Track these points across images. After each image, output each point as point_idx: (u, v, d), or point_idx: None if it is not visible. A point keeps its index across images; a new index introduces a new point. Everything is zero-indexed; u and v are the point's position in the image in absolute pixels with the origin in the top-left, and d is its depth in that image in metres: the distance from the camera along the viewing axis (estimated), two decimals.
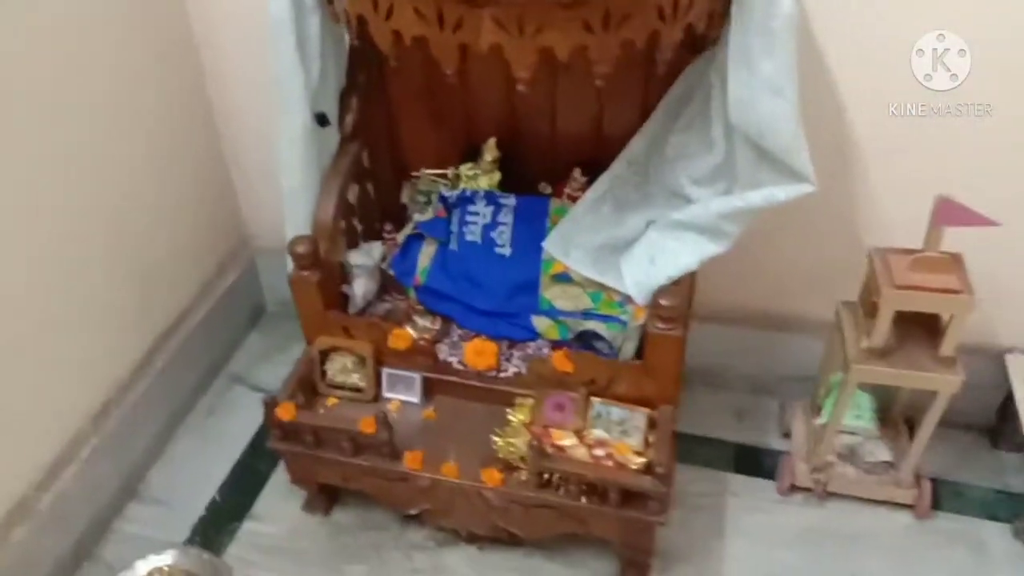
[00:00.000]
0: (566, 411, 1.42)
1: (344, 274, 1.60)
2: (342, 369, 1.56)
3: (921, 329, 1.47)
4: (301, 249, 1.46)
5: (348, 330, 1.53)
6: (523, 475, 1.41)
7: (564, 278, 1.55)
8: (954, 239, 1.38)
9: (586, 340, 1.53)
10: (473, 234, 1.61)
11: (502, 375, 1.53)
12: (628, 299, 1.48)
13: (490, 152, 1.62)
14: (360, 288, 1.60)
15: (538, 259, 1.57)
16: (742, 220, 1.35)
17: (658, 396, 1.43)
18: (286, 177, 1.47)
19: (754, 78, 1.21)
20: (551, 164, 1.63)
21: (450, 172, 1.68)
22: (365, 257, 1.61)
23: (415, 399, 1.56)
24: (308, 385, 1.56)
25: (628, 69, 1.43)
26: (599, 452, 1.38)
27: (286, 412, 1.45)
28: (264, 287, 2.15)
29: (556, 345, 1.54)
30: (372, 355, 1.53)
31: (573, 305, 1.55)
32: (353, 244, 1.63)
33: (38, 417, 1.51)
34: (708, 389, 1.89)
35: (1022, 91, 1.41)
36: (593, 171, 1.56)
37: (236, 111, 1.86)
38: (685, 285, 1.41)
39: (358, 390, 1.56)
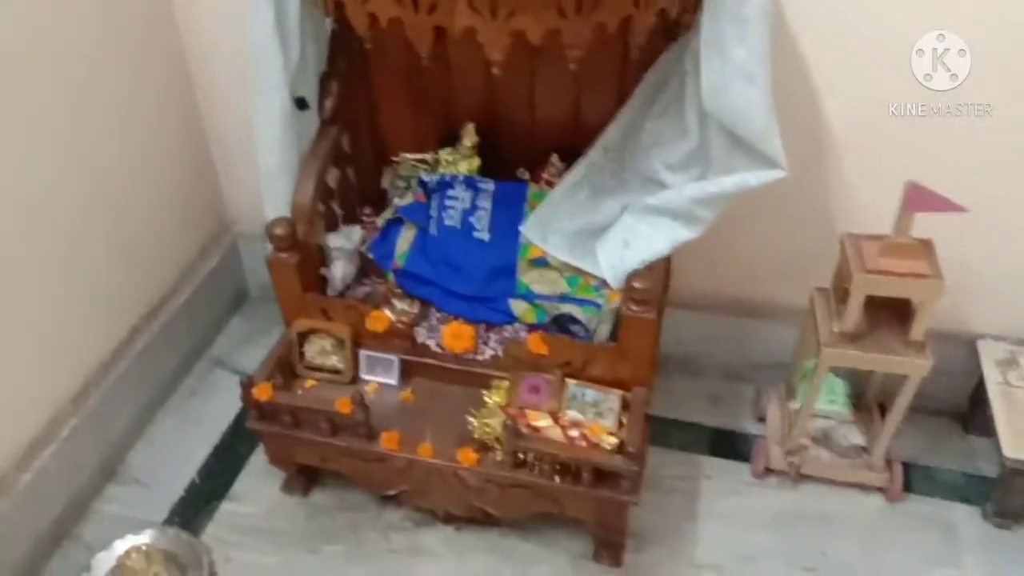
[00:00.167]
0: (541, 393, 1.43)
1: (323, 257, 1.61)
2: (320, 351, 1.57)
3: (892, 314, 1.49)
4: (279, 231, 1.47)
5: (326, 312, 1.55)
6: (498, 455, 1.43)
7: (541, 262, 1.57)
8: (936, 230, 1.40)
9: (563, 324, 1.54)
10: (452, 219, 1.62)
11: (479, 358, 1.55)
12: (604, 283, 1.50)
13: (469, 137, 1.63)
14: (339, 271, 1.61)
15: (516, 244, 1.58)
16: (715, 205, 1.36)
17: (632, 378, 1.44)
18: (263, 157, 1.48)
19: (727, 65, 1.23)
20: (529, 150, 1.64)
21: (430, 157, 1.69)
22: (344, 240, 1.62)
23: (393, 381, 1.57)
24: (287, 366, 1.57)
25: (605, 56, 1.45)
26: (573, 433, 1.40)
27: (263, 392, 1.46)
28: (247, 271, 2.16)
29: (533, 328, 1.55)
30: (350, 337, 1.54)
31: (550, 289, 1.57)
32: (333, 227, 1.64)
33: (17, 396, 1.52)
34: (684, 375, 1.91)
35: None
36: (571, 157, 1.58)
37: (218, 93, 1.86)
38: (659, 269, 1.43)
39: (336, 372, 1.57)
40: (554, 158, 1.62)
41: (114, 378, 1.72)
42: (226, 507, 1.68)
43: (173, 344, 1.91)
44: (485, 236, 1.61)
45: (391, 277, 1.64)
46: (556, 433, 1.41)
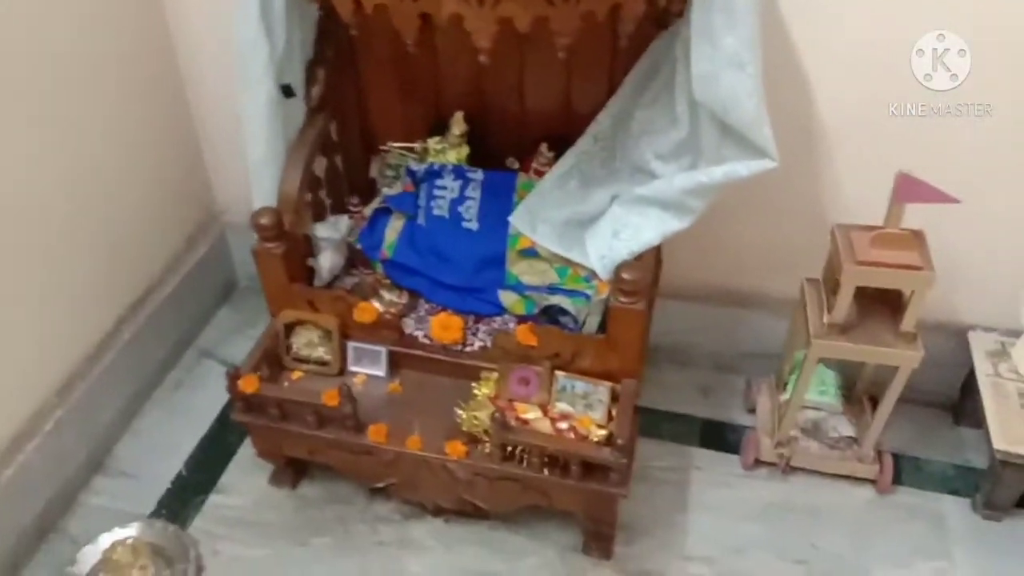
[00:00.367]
0: (531, 385, 1.43)
1: (310, 247, 1.59)
2: (308, 343, 1.56)
3: (883, 305, 1.49)
4: (265, 220, 1.45)
5: (313, 303, 1.53)
6: (487, 448, 1.42)
7: (531, 253, 1.55)
8: (929, 221, 1.40)
9: (552, 315, 1.53)
10: (441, 208, 1.60)
11: (468, 349, 1.53)
12: (594, 274, 1.49)
13: (458, 126, 1.62)
14: (326, 261, 1.60)
15: (505, 234, 1.57)
16: (705, 196, 1.35)
17: (621, 370, 1.43)
18: (251, 148, 1.46)
19: (717, 53, 1.21)
20: (519, 139, 1.63)
21: (418, 146, 1.67)
22: (332, 230, 1.61)
23: (381, 373, 1.56)
24: (273, 358, 1.56)
25: (594, 44, 1.44)
26: (563, 425, 1.39)
27: (249, 384, 1.45)
28: (236, 262, 2.14)
29: (522, 320, 1.54)
30: (338, 328, 1.53)
31: (539, 280, 1.56)
32: (320, 217, 1.62)
33: (1, 388, 1.50)
34: (674, 366, 1.91)
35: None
36: (560, 146, 1.56)
37: (207, 82, 1.84)
38: (648, 260, 1.42)
39: (324, 363, 1.56)
40: (543, 147, 1.60)
41: (100, 370, 1.70)
42: (214, 499, 1.67)
43: (159, 335, 1.89)
44: (474, 226, 1.59)
45: (379, 268, 1.63)
46: (545, 425, 1.40)
